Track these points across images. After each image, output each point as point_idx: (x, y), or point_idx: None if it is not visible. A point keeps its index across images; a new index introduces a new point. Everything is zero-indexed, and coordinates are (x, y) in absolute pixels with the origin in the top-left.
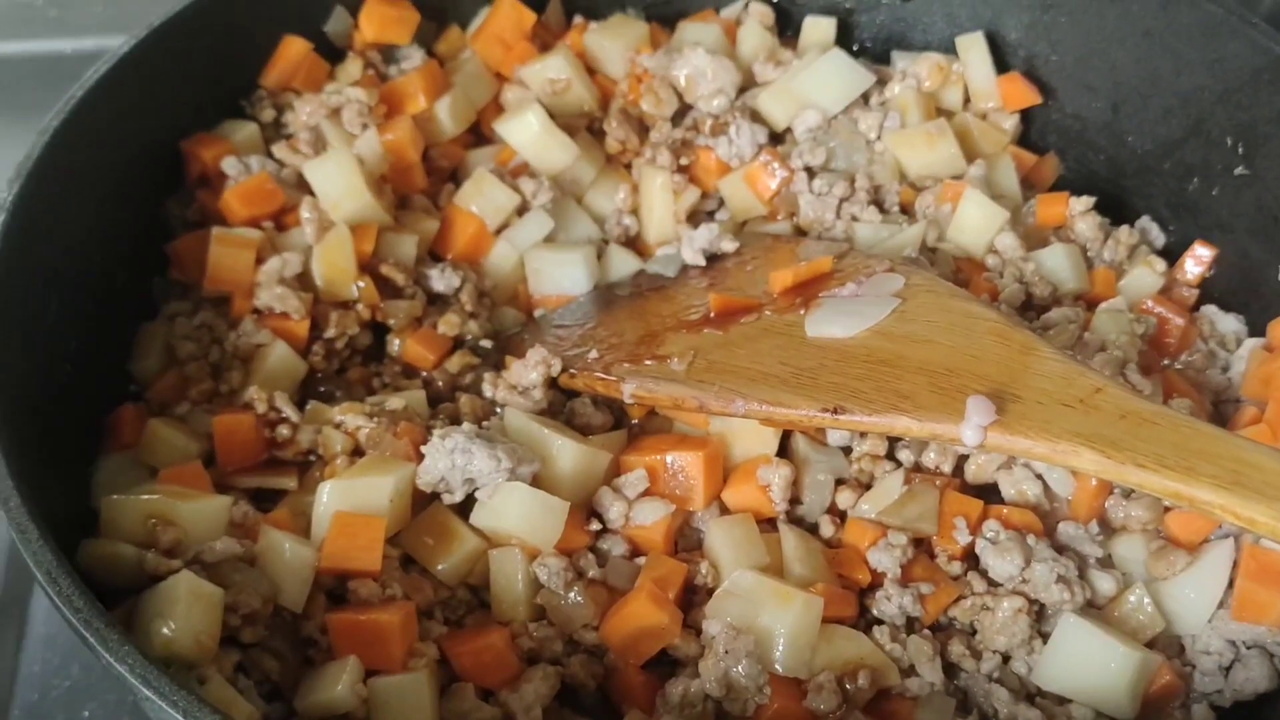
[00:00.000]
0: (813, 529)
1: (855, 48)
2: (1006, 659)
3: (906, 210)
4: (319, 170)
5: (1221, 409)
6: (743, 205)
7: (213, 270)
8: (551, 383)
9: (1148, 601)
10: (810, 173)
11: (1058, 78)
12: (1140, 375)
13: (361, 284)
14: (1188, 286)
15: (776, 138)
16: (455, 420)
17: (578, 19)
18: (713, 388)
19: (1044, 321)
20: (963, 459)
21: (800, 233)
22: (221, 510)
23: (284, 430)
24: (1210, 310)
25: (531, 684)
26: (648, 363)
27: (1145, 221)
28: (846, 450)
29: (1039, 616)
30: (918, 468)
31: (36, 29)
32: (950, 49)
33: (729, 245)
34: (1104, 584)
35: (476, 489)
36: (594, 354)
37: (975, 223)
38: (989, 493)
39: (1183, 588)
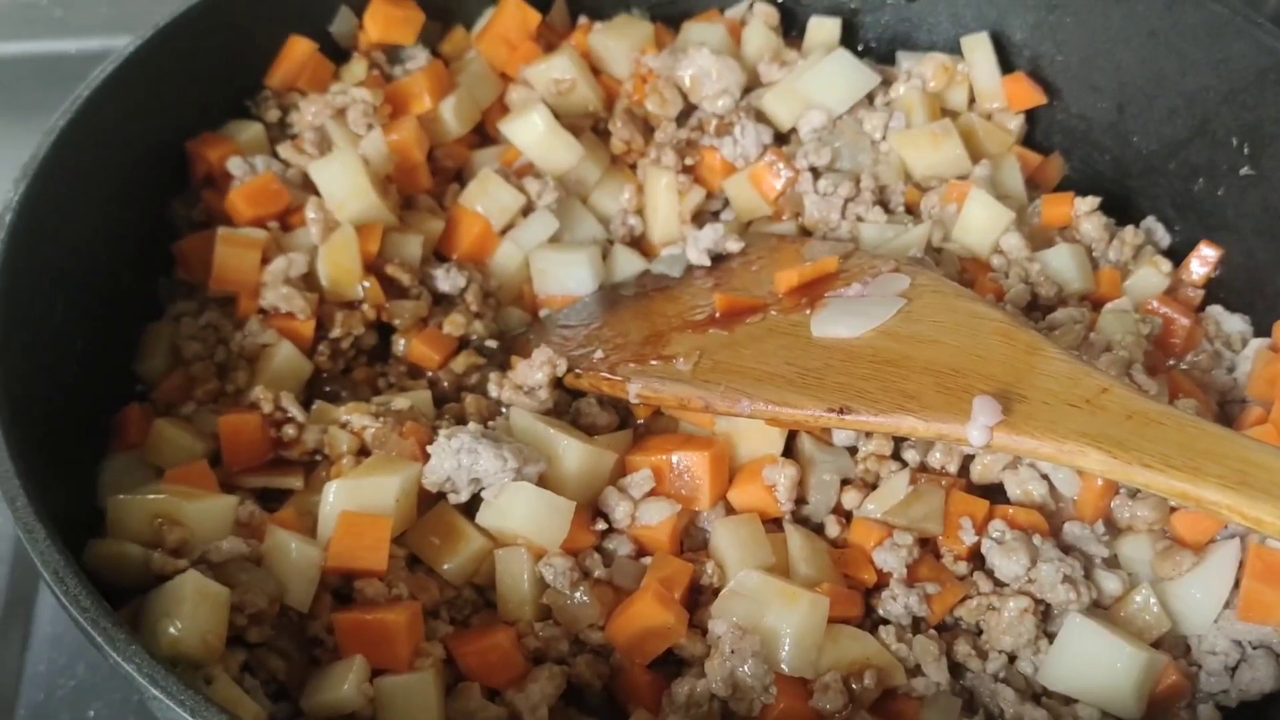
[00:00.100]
0: (818, 529)
1: (860, 48)
2: (1012, 659)
3: (911, 210)
4: (324, 170)
5: (1227, 409)
6: (748, 205)
7: (218, 270)
8: (557, 383)
9: (1154, 602)
10: (815, 173)
11: (1063, 78)
12: (1146, 375)
13: (367, 284)
14: (1193, 287)
15: (781, 138)
16: (461, 420)
17: (582, 19)
18: (718, 388)
19: (1049, 322)
20: (968, 459)
21: (805, 233)
22: (227, 510)
23: (290, 430)
24: (1216, 310)
25: (537, 683)
26: (653, 363)
27: (1150, 222)
28: (852, 450)
29: (1045, 616)
30: (923, 468)
31: (41, 29)
32: (955, 49)
33: (734, 245)
34: (1110, 584)
35: (482, 489)
36: (599, 354)
37: (980, 223)
38: (994, 493)
39: (1189, 588)
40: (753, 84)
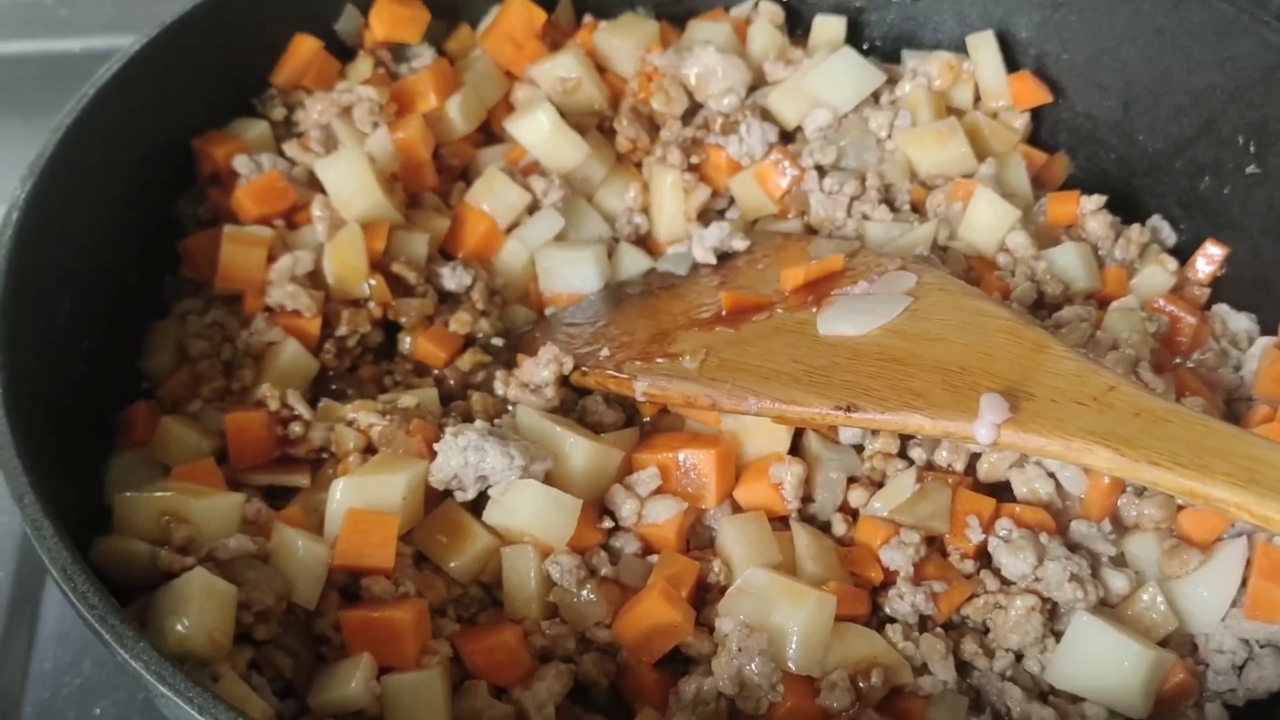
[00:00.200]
0: (825, 527)
1: (865, 46)
2: (1019, 657)
3: (917, 209)
4: (330, 168)
5: (1234, 407)
6: (753, 204)
7: (224, 268)
8: (563, 381)
9: (1161, 600)
10: (821, 171)
11: (1068, 76)
12: (1153, 374)
13: (373, 282)
14: (1199, 285)
15: (787, 136)
16: (467, 418)
17: (588, 18)
18: (725, 385)
19: (1056, 320)
20: (975, 457)
21: (811, 231)
22: (234, 507)
23: (296, 428)
24: (1222, 309)
25: (544, 682)
26: (659, 361)
27: (1157, 220)
28: (859, 448)
29: (1052, 615)
30: (930, 466)
31: (46, 28)
32: (961, 48)
33: (740, 243)
34: (1117, 582)
35: (489, 486)
36: (605, 352)
37: (986, 221)
38: (1001, 491)
39: (1196, 586)
40: (758, 82)
